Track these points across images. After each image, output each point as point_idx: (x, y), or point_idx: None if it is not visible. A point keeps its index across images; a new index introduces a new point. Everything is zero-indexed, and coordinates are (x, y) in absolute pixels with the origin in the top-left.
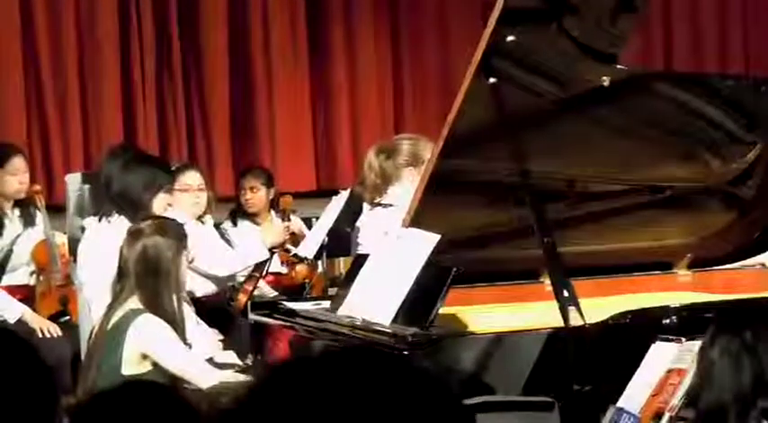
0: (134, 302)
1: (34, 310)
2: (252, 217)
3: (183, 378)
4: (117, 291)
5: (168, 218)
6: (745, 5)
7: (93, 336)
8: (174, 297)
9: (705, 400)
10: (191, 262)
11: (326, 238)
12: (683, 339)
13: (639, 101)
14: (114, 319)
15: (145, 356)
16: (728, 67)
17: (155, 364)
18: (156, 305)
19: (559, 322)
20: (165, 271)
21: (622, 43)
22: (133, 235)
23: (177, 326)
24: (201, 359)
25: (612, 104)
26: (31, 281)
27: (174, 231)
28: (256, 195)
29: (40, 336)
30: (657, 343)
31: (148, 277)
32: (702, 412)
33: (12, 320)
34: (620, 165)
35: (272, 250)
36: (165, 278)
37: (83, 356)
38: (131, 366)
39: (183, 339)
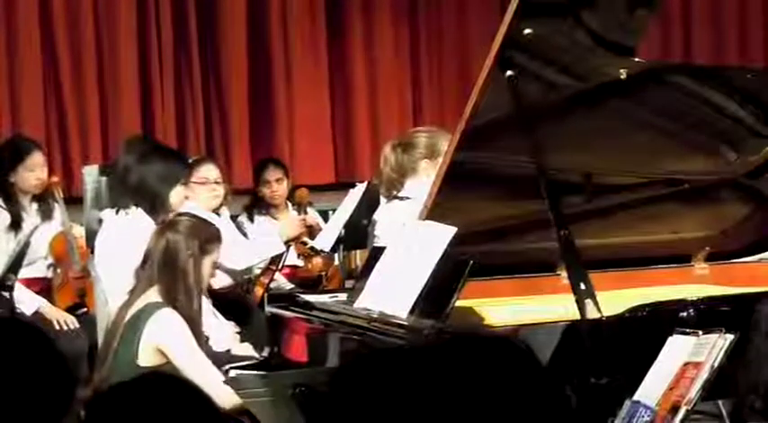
0: (154, 294)
1: (52, 302)
2: (270, 210)
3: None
4: (140, 276)
5: (207, 221)
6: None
7: (110, 324)
8: (192, 296)
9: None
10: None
11: (343, 231)
12: (700, 332)
13: (657, 94)
14: (134, 309)
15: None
16: (749, 60)
17: None
18: (171, 299)
19: (576, 315)
20: (182, 270)
21: (640, 36)
22: (164, 227)
23: (193, 323)
24: (218, 376)
25: (630, 97)
26: (49, 273)
27: (204, 235)
28: (281, 186)
29: (58, 328)
30: (674, 336)
31: (166, 271)
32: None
33: (29, 313)
34: (637, 158)
35: (287, 243)
36: (182, 277)
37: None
38: (148, 357)
39: (198, 338)
